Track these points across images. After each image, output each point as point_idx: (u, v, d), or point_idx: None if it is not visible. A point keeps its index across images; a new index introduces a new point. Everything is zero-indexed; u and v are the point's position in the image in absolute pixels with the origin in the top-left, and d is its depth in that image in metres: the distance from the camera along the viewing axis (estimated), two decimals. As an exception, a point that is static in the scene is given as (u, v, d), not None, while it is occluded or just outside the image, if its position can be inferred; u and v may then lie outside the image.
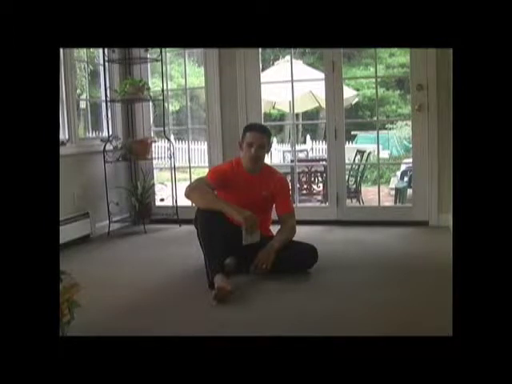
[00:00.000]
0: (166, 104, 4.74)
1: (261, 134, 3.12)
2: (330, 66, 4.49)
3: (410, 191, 5.66)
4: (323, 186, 6.14)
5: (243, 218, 2.78)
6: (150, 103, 4.99)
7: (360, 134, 11.25)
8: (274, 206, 3.25)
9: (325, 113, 4.70)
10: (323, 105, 5.25)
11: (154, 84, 5.49)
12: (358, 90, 10.29)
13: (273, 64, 9.21)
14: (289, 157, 8.56)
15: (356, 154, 7.12)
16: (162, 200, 4.97)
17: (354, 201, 6.33)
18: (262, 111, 4.81)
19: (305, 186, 6.51)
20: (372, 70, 9.54)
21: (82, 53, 4.63)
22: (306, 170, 6.48)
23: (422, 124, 4.30)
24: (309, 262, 3.07)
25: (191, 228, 3.20)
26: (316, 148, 11.98)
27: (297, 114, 10.31)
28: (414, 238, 4.00)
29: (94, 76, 4.93)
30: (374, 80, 5.38)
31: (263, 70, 5.78)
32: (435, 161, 4.26)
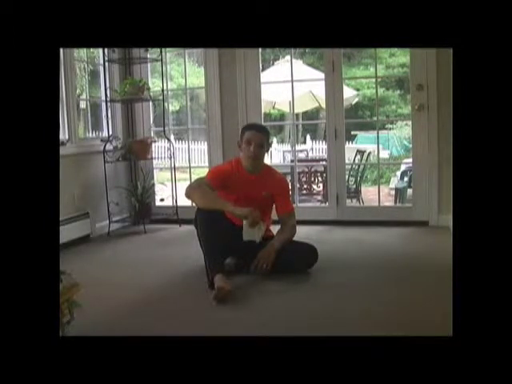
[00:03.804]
0: (165, 104, 4.74)
1: (259, 132, 3.11)
2: (330, 66, 4.49)
3: (410, 191, 5.66)
4: (323, 186, 6.13)
5: (247, 212, 2.78)
6: (150, 103, 4.99)
7: (360, 134, 11.25)
8: (273, 206, 3.25)
9: (325, 113, 4.71)
10: (323, 105, 5.25)
11: (154, 84, 5.48)
12: (358, 90, 10.29)
13: (273, 64, 9.21)
14: (289, 157, 8.56)
15: (356, 154, 7.12)
16: (161, 200, 4.97)
17: (354, 201, 6.33)
18: (262, 111, 4.81)
19: (305, 186, 6.50)
20: (372, 70, 9.54)
21: (82, 53, 4.63)
22: (306, 170, 6.47)
23: (422, 124, 4.30)
24: (309, 262, 3.07)
25: (191, 228, 3.20)
26: (316, 148, 11.98)
27: (297, 114, 10.31)
28: (414, 238, 4.00)
29: (93, 76, 4.93)
30: (374, 80, 5.37)
31: (263, 70, 5.78)
32: (435, 161, 4.26)
